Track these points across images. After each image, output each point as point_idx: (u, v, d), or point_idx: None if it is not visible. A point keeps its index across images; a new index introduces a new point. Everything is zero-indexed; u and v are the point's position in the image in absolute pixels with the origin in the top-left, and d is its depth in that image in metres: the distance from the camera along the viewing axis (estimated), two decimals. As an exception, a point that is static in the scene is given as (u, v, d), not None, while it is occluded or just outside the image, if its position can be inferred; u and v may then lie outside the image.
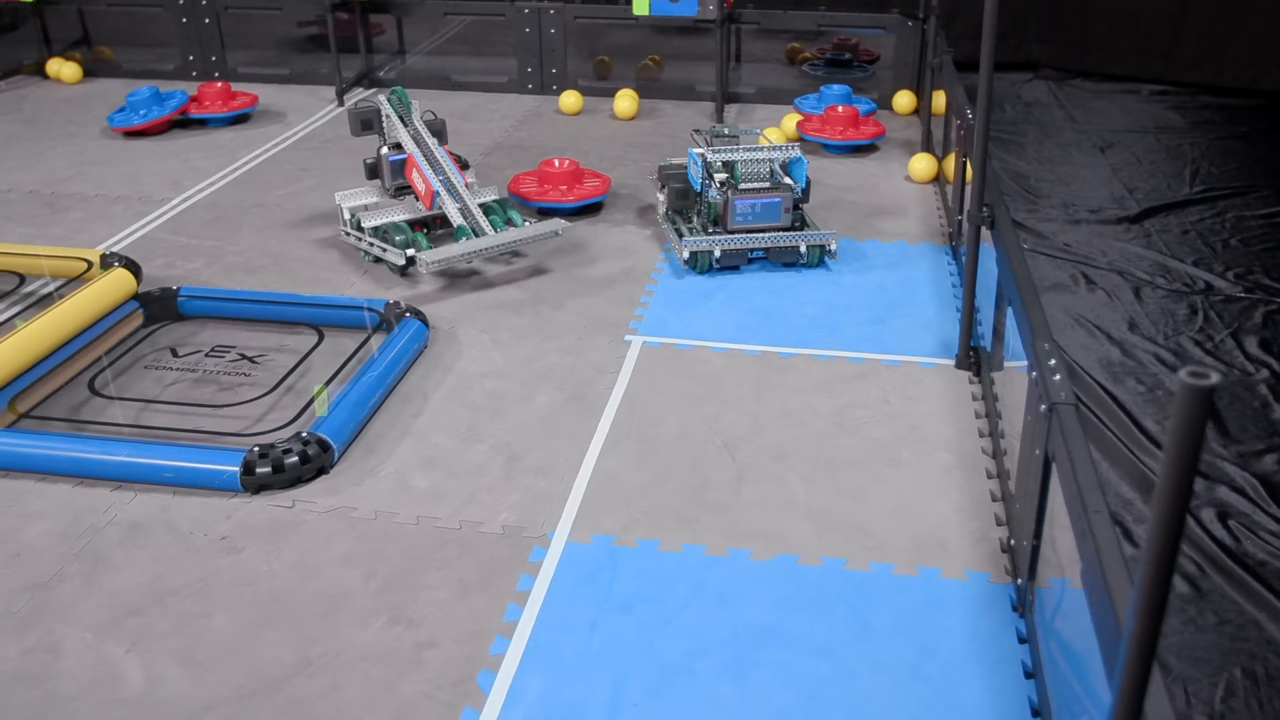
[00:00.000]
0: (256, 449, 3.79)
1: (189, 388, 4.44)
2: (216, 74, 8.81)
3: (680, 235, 5.52)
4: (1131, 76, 8.74)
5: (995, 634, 3.19)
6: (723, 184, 5.41)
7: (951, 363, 4.63)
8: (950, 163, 6.31)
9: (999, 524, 3.65)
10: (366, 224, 5.46)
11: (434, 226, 5.63)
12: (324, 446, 3.88)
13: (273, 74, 8.85)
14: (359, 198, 5.68)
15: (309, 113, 8.10)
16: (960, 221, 5.67)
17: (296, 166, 7.00)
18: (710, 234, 5.45)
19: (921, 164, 6.63)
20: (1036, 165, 7.03)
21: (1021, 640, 3.16)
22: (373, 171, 5.76)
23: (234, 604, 3.32)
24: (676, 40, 9.22)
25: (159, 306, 4.92)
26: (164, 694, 3.00)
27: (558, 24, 8.36)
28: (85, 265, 4.95)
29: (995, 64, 7.03)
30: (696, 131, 5.89)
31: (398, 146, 5.67)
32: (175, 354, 4.59)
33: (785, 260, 5.46)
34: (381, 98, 5.76)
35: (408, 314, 4.75)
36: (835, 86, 7.60)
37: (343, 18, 8.38)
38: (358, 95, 8.56)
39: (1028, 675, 3.04)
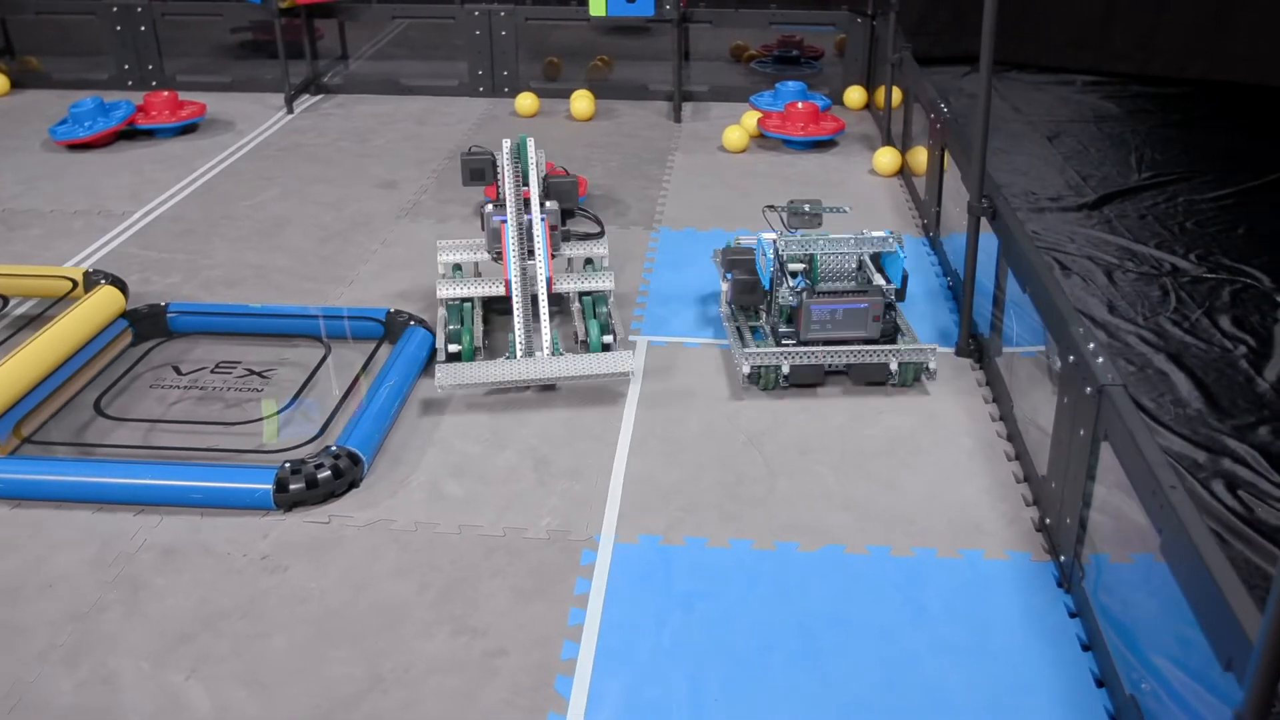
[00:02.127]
0: (288, 465, 3.73)
1: (195, 405, 4.33)
2: (154, 82, 8.56)
3: (742, 340, 4.60)
4: (1065, 68, 9.04)
5: (1045, 610, 3.30)
6: (796, 282, 4.45)
7: (951, 350, 4.76)
8: (916, 156, 6.47)
9: (1028, 504, 3.77)
10: (440, 292, 4.73)
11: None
12: (354, 460, 3.83)
13: (213, 82, 8.62)
14: (460, 251, 4.95)
15: (258, 121, 7.92)
16: (937, 213, 5.83)
17: (257, 176, 6.85)
18: (781, 341, 4.48)
19: (886, 158, 6.78)
20: (991, 156, 7.17)
21: (1072, 614, 3.28)
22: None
23: (289, 623, 3.26)
24: (622, 40, 9.24)
25: (148, 324, 4.78)
26: (234, 719, 2.94)
27: (509, 26, 8.33)
28: (70, 284, 4.78)
29: (934, 59, 7.16)
30: (769, 208, 4.78)
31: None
32: (179, 372, 4.47)
33: (871, 378, 4.46)
34: (506, 144, 4.90)
35: (411, 322, 4.70)
36: (791, 83, 7.72)
37: (282, 22, 8.19)
38: (307, 102, 8.40)
39: (1084, 648, 3.16)
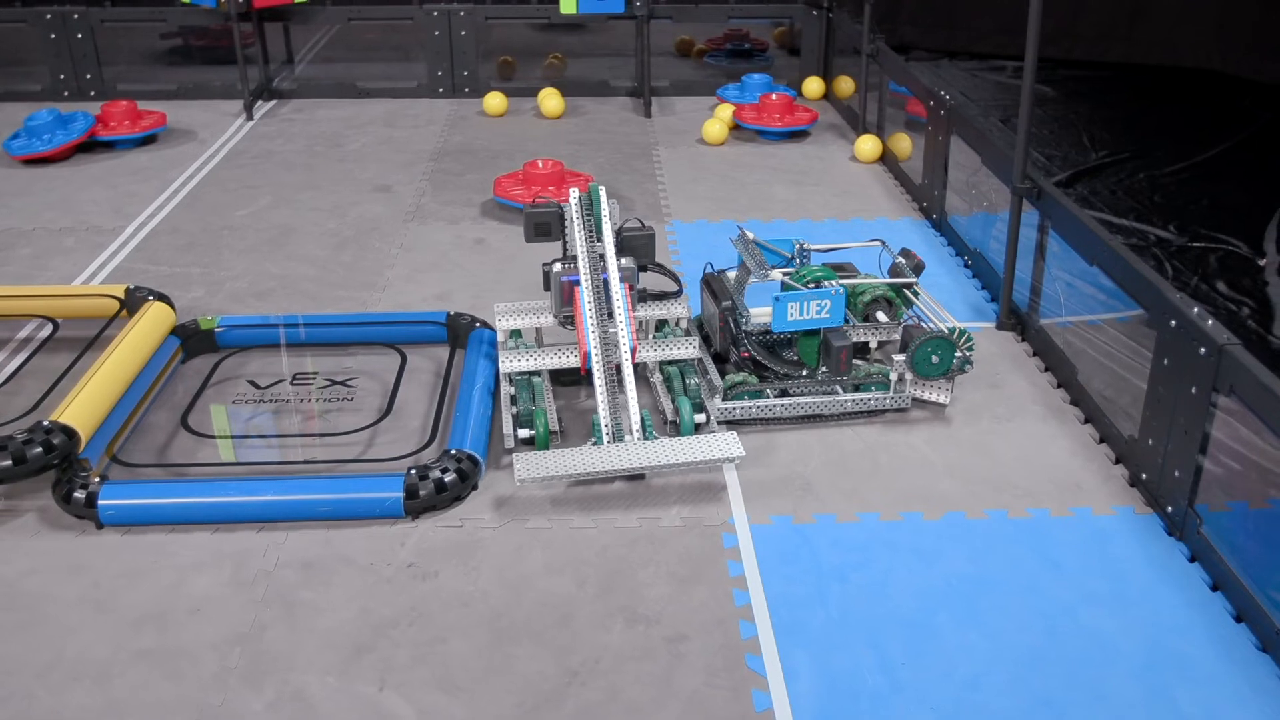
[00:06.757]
0: (413, 471, 3.70)
1: (280, 418, 4.24)
2: (92, 93, 8.20)
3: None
4: (995, 55, 9.49)
5: (1165, 557, 3.56)
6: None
7: (992, 325, 5.01)
8: (899, 142, 6.74)
9: (1113, 463, 4.03)
10: (504, 364, 4.19)
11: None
12: (474, 462, 3.83)
13: (157, 90, 8.30)
14: (521, 316, 4.31)
15: (219, 129, 7.69)
16: (940, 196, 6.09)
17: (242, 185, 6.67)
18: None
19: (867, 145, 7.03)
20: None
21: (1190, 559, 3.54)
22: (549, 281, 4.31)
23: (462, 627, 3.26)
24: (567, 37, 9.28)
25: (198, 340, 4.64)
26: (444, 723, 2.94)
27: (468, 26, 8.28)
28: (117, 303, 4.60)
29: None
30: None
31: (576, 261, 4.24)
32: (256, 386, 4.37)
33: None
34: (574, 195, 4.32)
35: (476, 324, 4.69)
36: (756, 76, 7.91)
37: (225, 28, 7.95)
38: (263, 109, 8.18)
39: (1212, 588, 3.41)
